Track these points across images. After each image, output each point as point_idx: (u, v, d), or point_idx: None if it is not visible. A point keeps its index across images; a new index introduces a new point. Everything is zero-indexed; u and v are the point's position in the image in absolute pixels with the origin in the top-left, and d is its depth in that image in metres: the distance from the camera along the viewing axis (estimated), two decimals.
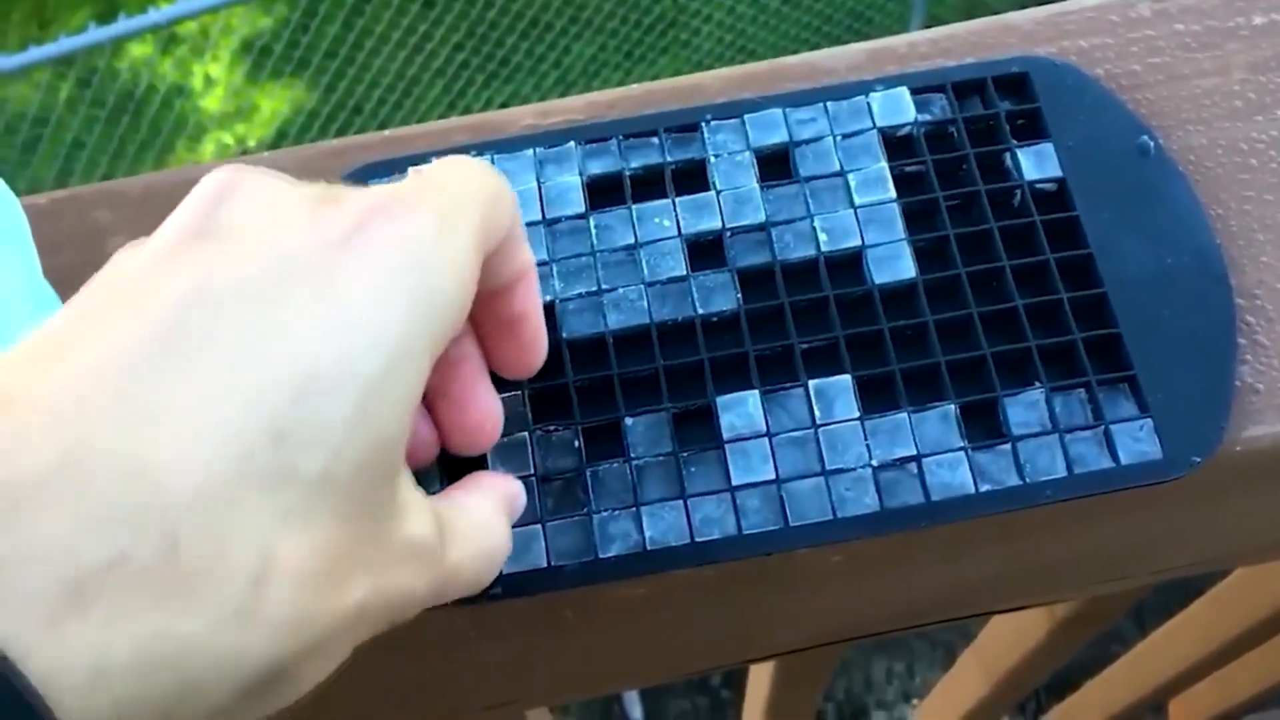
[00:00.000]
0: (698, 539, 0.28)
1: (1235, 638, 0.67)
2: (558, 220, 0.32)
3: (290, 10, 1.92)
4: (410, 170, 0.24)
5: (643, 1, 2.07)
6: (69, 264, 0.32)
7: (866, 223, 0.31)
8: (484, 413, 0.26)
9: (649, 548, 0.28)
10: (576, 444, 0.29)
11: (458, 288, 0.21)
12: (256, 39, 1.99)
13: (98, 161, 1.88)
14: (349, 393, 0.19)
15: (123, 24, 1.65)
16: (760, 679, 0.70)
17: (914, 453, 0.29)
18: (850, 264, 0.31)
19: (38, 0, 2.14)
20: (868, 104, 0.33)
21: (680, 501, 0.29)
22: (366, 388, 0.19)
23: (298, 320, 0.19)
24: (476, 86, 2.03)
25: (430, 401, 0.26)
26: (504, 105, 2.05)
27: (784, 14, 2.17)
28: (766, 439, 0.29)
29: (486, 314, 0.26)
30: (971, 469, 0.29)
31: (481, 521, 0.25)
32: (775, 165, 0.32)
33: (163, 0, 1.68)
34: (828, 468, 0.29)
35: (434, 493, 0.25)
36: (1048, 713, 1.02)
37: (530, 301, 0.26)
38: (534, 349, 0.27)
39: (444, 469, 0.28)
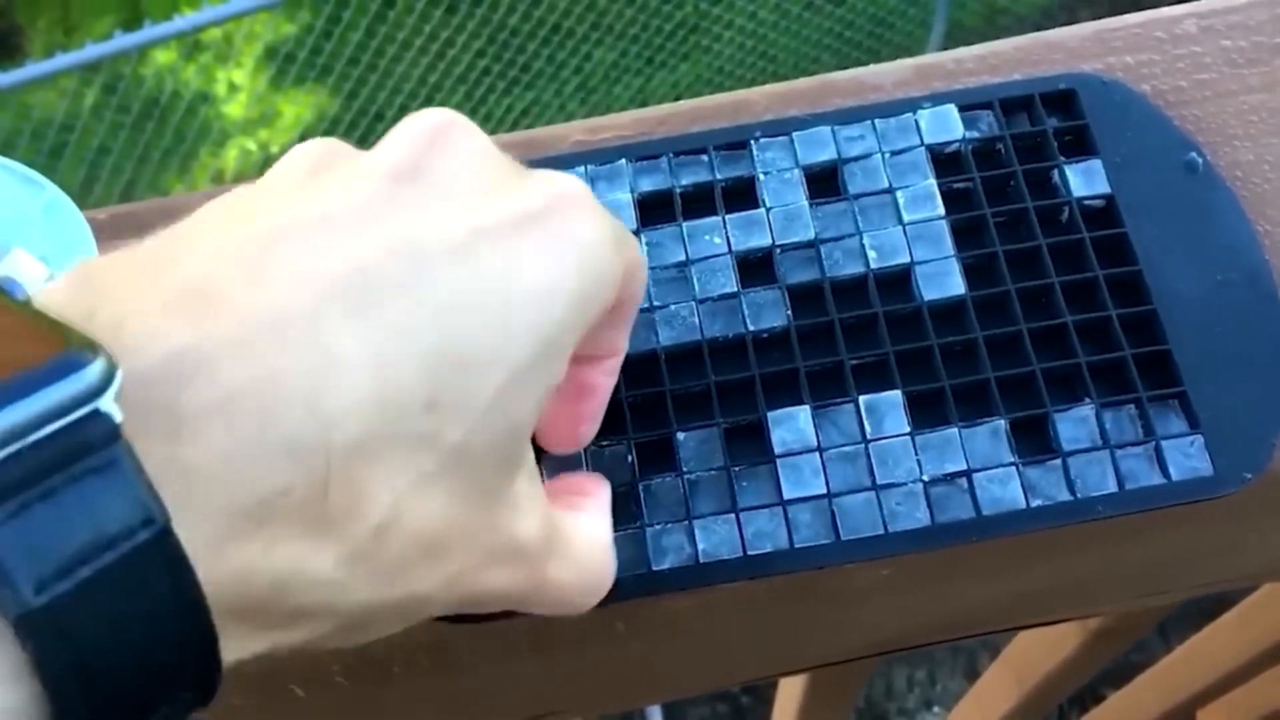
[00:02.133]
0: (750, 552, 0.29)
1: (1266, 650, 0.67)
2: None
3: (314, 17, 1.93)
4: None
5: (664, 7, 2.08)
6: None
7: (915, 239, 0.32)
8: None
9: (701, 560, 0.29)
10: (630, 458, 0.30)
11: (609, 298, 0.22)
12: (280, 46, 2.00)
13: (122, 167, 1.90)
14: (497, 375, 0.20)
15: (148, 31, 1.67)
16: (790, 693, 0.70)
17: (964, 468, 0.29)
18: (899, 281, 0.31)
19: (64, 7, 2.16)
20: (916, 121, 0.33)
21: (732, 515, 0.29)
22: (512, 373, 0.20)
23: (473, 293, 0.20)
24: (498, 93, 2.04)
25: None
26: (525, 111, 2.06)
27: (805, 20, 2.18)
28: (817, 454, 0.29)
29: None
30: (1022, 484, 0.29)
31: (593, 544, 0.25)
32: (824, 182, 0.33)
33: (187, 7, 1.69)
34: (878, 482, 0.29)
35: None
36: None
37: (607, 381, 0.27)
38: (585, 422, 0.27)
39: None
